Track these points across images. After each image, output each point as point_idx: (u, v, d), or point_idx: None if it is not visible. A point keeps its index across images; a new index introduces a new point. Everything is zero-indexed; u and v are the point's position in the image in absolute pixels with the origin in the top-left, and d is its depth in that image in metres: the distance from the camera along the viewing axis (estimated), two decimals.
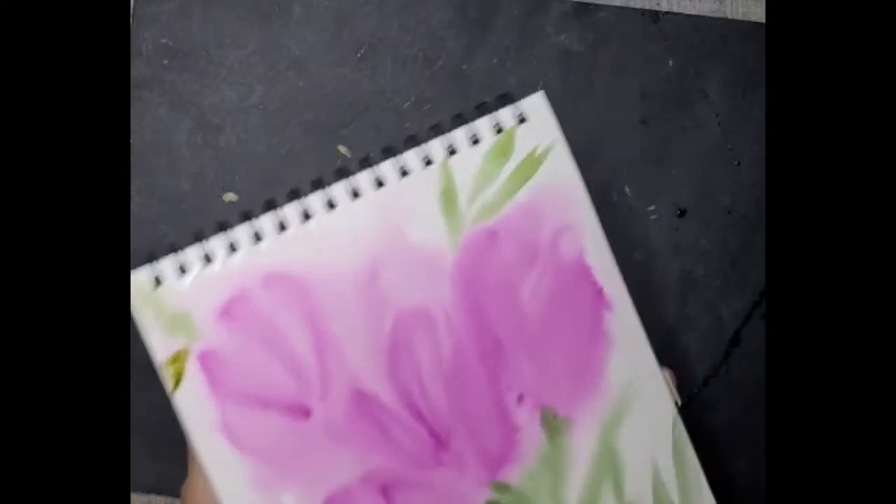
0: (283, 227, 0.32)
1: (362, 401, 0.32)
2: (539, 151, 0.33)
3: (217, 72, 0.39)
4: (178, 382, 0.32)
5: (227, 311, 0.31)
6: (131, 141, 0.39)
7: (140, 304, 0.31)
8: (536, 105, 0.33)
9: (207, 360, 0.32)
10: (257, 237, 0.32)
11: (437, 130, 0.32)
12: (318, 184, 0.32)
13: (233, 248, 0.32)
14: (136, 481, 0.38)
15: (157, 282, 0.31)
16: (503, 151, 0.33)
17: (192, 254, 0.32)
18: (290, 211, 0.32)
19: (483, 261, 0.33)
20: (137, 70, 0.39)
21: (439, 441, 0.33)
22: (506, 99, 0.33)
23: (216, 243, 0.31)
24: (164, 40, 0.39)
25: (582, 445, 0.33)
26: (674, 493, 0.34)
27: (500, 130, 0.33)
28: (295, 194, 0.32)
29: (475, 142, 0.33)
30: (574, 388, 0.33)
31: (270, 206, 0.31)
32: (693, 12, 0.39)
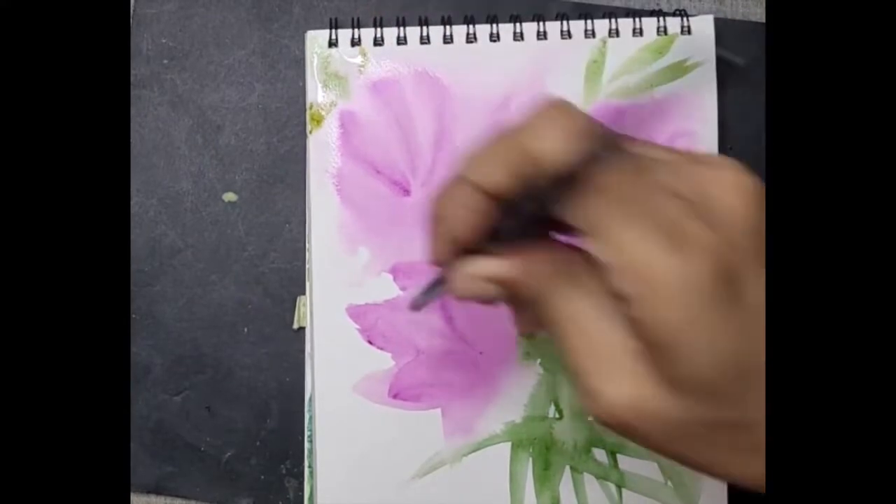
0: (448, 41, 0.38)
1: None
2: (690, 63, 0.37)
3: (217, 72, 0.39)
4: (315, 127, 0.37)
5: (378, 87, 0.37)
6: (131, 140, 0.39)
7: (313, 53, 0.38)
8: (704, 24, 0.38)
9: (346, 119, 0.38)
10: (425, 40, 0.38)
11: (610, 16, 0.38)
12: (493, 19, 0.38)
13: (401, 41, 0.38)
14: (136, 481, 0.38)
15: (333, 43, 0.38)
16: (659, 50, 0.37)
17: (367, 33, 0.38)
18: (459, 30, 0.38)
19: None
20: (137, 70, 0.39)
21: None
22: (680, 12, 0.38)
23: (389, 32, 0.38)
24: (164, 40, 0.39)
25: None
26: None
27: (664, 33, 0.37)
28: (470, 19, 0.38)
29: (639, 34, 0.37)
30: None
31: (445, 21, 0.38)
32: (693, 12, 0.39)
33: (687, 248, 0.23)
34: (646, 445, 0.25)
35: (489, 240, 0.26)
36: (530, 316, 0.27)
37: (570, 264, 0.26)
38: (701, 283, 0.23)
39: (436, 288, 0.29)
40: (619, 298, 0.24)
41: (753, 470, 0.24)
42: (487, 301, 0.27)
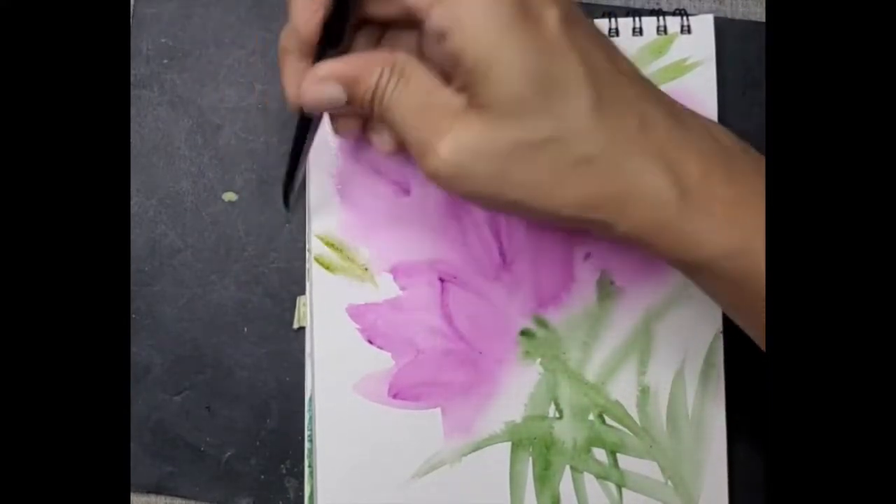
0: None
1: (454, 201, 0.37)
2: (690, 62, 0.37)
3: (217, 72, 0.39)
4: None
5: None
6: (131, 141, 0.39)
7: None
8: (704, 23, 0.38)
9: None
10: None
11: (610, 15, 0.38)
12: None
13: None
14: (136, 481, 0.38)
15: None
16: (659, 50, 0.37)
17: None
18: None
19: None
20: (137, 70, 0.39)
21: (505, 261, 0.37)
22: (680, 11, 0.38)
23: None
24: (164, 40, 0.39)
25: (624, 317, 0.37)
26: (691, 394, 0.37)
27: (664, 32, 0.37)
28: None
29: (638, 33, 0.37)
30: (639, 266, 0.37)
31: None
32: (693, 12, 0.39)
33: None
34: (481, 192, 0.28)
35: (328, 45, 0.30)
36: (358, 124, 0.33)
37: (402, 62, 0.29)
38: (500, 5, 0.27)
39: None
40: (440, 60, 0.28)
41: (575, 191, 0.28)
42: (334, 110, 0.31)
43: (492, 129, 0.27)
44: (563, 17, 0.27)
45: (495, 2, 0.27)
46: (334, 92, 0.30)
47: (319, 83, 0.30)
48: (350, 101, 0.30)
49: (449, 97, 0.28)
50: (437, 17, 0.27)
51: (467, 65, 0.27)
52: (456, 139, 0.28)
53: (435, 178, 0.29)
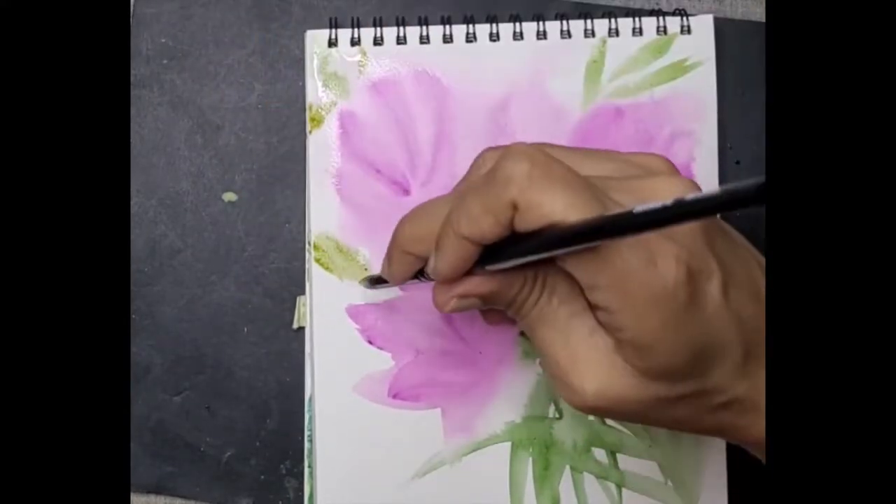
0: (448, 41, 0.38)
1: None
2: (690, 62, 0.37)
3: (217, 72, 0.39)
4: (315, 127, 0.37)
5: (377, 87, 0.37)
6: (131, 141, 0.39)
7: (312, 53, 0.38)
8: (704, 24, 0.38)
9: (346, 119, 0.37)
10: (425, 40, 0.38)
11: (610, 15, 0.38)
12: (493, 18, 0.38)
13: (401, 40, 0.38)
14: (136, 481, 0.38)
15: (332, 43, 0.38)
16: (659, 50, 0.37)
17: (367, 32, 0.38)
18: (458, 30, 0.38)
19: (602, 130, 0.37)
20: (137, 70, 0.39)
21: None
22: (680, 12, 0.38)
23: (388, 32, 0.38)
24: (164, 40, 0.39)
25: None
26: None
27: (664, 33, 0.37)
28: (470, 19, 0.38)
29: (638, 34, 0.37)
30: None
31: (445, 21, 0.38)
32: (693, 12, 0.39)
33: (660, 262, 0.26)
34: (620, 420, 0.32)
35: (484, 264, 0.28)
36: (503, 315, 0.30)
37: (545, 275, 0.28)
38: (669, 300, 0.26)
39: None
40: (594, 308, 0.27)
41: (712, 423, 0.29)
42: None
43: (641, 388, 0.27)
44: (723, 283, 0.27)
45: (664, 295, 0.26)
46: (469, 304, 0.29)
47: (459, 301, 0.29)
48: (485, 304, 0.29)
49: (593, 329, 0.28)
50: (602, 298, 0.27)
51: (625, 337, 0.27)
52: (602, 391, 0.28)
53: (575, 408, 0.29)
